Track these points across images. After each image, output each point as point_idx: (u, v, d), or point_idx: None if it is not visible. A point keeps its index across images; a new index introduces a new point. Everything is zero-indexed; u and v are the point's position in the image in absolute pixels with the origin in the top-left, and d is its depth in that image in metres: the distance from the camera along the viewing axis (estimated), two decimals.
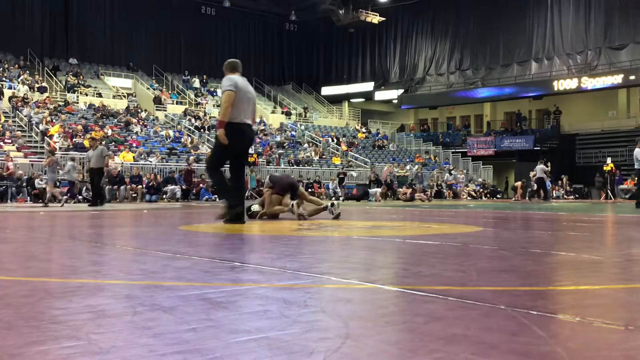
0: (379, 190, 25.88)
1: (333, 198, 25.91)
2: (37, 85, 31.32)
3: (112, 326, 1.85)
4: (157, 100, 33.66)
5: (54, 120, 26.32)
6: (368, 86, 42.77)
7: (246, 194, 23.85)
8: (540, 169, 24.54)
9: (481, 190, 31.50)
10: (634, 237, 6.05)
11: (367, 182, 27.26)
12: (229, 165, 6.96)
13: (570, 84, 32.90)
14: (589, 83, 32.20)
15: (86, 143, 24.11)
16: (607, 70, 32.23)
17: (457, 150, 37.02)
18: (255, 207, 8.58)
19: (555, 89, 33.48)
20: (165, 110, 33.79)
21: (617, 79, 31.38)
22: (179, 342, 1.65)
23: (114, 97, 33.79)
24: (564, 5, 34.52)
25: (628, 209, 14.17)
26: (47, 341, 1.67)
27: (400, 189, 26.99)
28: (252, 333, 1.75)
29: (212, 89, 39.66)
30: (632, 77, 30.95)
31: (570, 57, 34.17)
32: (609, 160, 28.92)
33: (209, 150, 7.43)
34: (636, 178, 17.24)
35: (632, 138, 25.06)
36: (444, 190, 29.70)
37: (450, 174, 31.79)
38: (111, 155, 19.55)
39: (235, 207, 6.64)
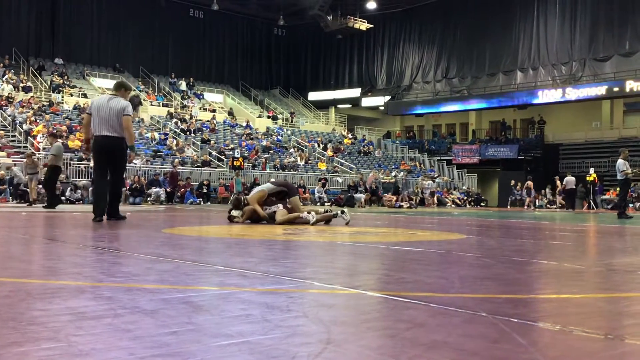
0: (362, 195, 25.91)
1: (318, 204, 25.90)
2: (21, 85, 31.04)
3: (92, 328, 1.83)
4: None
5: (38, 120, 26.09)
6: (355, 92, 42.88)
7: (232, 198, 23.90)
8: (572, 181, 25.60)
9: (465, 198, 31.67)
10: (615, 246, 6.10)
11: (347, 187, 27.29)
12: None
13: (554, 94, 33.21)
14: (573, 94, 32.52)
15: (70, 144, 23.96)
16: (591, 81, 32.57)
17: (442, 157, 37.21)
18: (235, 212, 8.54)
19: (540, 99, 33.79)
20: (146, 112, 33.56)
21: (601, 90, 31.73)
22: (160, 346, 1.64)
23: None
24: (549, 16, 34.87)
25: (610, 219, 14.32)
26: (26, 342, 1.65)
27: (386, 195, 27.03)
28: (233, 337, 1.75)
29: (199, 92, 39.54)
30: (615, 89, 31.30)
31: (555, 67, 34.51)
32: (591, 170, 29.19)
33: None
34: (618, 189, 17.41)
35: (615, 149, 25.32)
36: (427, 198, 29.79)
37: (434, 181, 31.89)
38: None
39: (95, 217, 7.85)
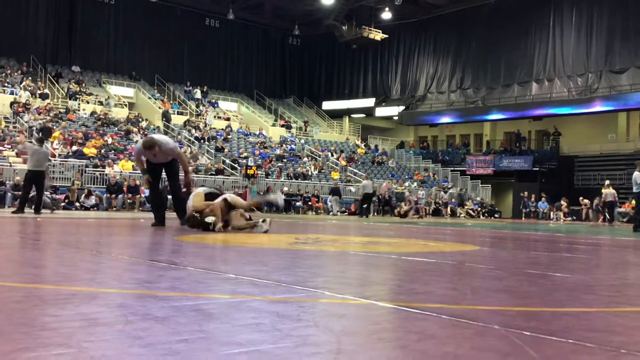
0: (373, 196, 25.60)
1: (331, 213, 25.88)
2: (38, 92, 31.36)
3: (103, 335, 1.84)
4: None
5: (54, 127, 26.34)
6: (369, 102, 42.91)
7: None
8: (611, 194, 25.13)
9: (479, 209, 31.51)
10: (630, 260, 6.04)
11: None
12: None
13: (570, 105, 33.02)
14: (589, 106, 32.30)
15: (85, 150, 24.14)
16: (607, 93, 32.35)
17: (456, 168, 37.07)
18: (209, 219, 8.33)
19: (555, 110, 33.62)
20: (170, 126, 33.76)
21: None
22: (170, 353, 1.64)
23: (115, 105, 33.84)
24: (565, 27, 34.73)
25: (626, 232, 14.17)
26: (37, 348, 1.66)
27: (402, 204, 26.92)
28: (244, 346, 1.75)
29: (213, 100, 39.74)
30: (632, 101, 31.06)
31: (571, 79, 34.32)
32: (607, 183, 28.89)
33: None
34: (634, 201, 17.23)
35: (631, 161, 25.09)
36: (441, 208, 29.67)
37: (445, 192, 31.74)
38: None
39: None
